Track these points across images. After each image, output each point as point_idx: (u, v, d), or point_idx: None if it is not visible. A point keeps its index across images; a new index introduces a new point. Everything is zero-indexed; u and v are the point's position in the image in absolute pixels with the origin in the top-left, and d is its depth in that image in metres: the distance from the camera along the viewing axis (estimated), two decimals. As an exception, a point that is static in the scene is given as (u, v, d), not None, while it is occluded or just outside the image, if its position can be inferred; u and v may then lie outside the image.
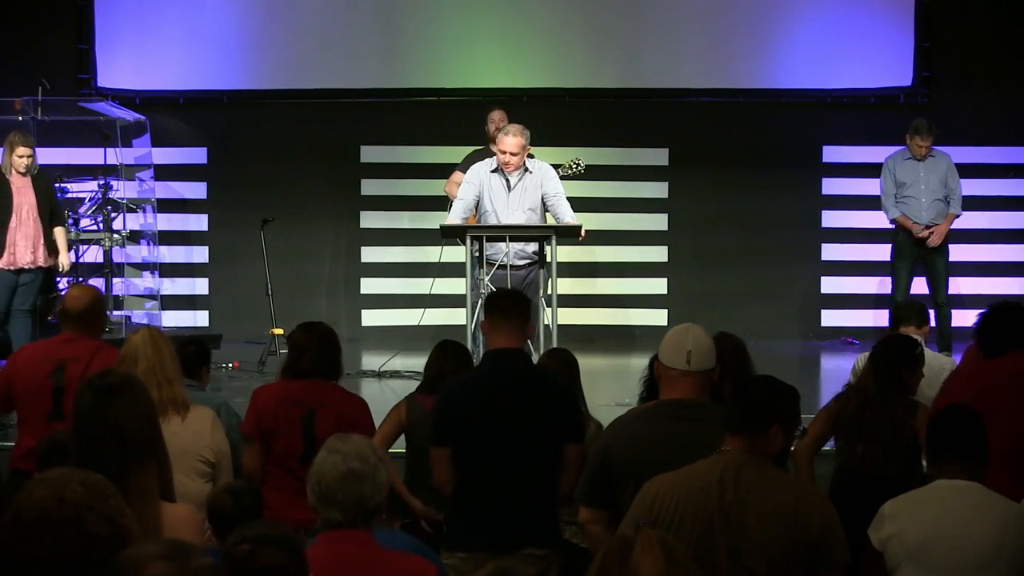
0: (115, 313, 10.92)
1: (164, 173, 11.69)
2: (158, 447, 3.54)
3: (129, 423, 3.43)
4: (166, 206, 11.71)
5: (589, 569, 2.87)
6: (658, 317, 11.53)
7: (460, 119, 11.02)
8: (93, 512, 2.54)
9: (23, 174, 9.11)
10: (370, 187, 11.88)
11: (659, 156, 11.92)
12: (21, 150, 9.06)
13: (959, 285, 11.14)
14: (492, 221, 8.15)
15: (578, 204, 8.59)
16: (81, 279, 10.72)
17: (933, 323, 9.80)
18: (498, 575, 4.49)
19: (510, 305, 4.96)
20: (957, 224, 10.20)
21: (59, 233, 9.29)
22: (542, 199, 8.18)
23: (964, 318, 10.86)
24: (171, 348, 5.10)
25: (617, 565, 2.79)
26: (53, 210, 9.33)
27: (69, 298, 5.91)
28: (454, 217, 8.28)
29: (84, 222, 10.70)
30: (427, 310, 9.66)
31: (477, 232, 8.02)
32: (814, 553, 3.68)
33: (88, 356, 5.67)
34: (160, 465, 3.52)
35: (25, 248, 9.12)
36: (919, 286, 10.14)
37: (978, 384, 5.00)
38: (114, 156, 11.07)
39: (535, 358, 6.37)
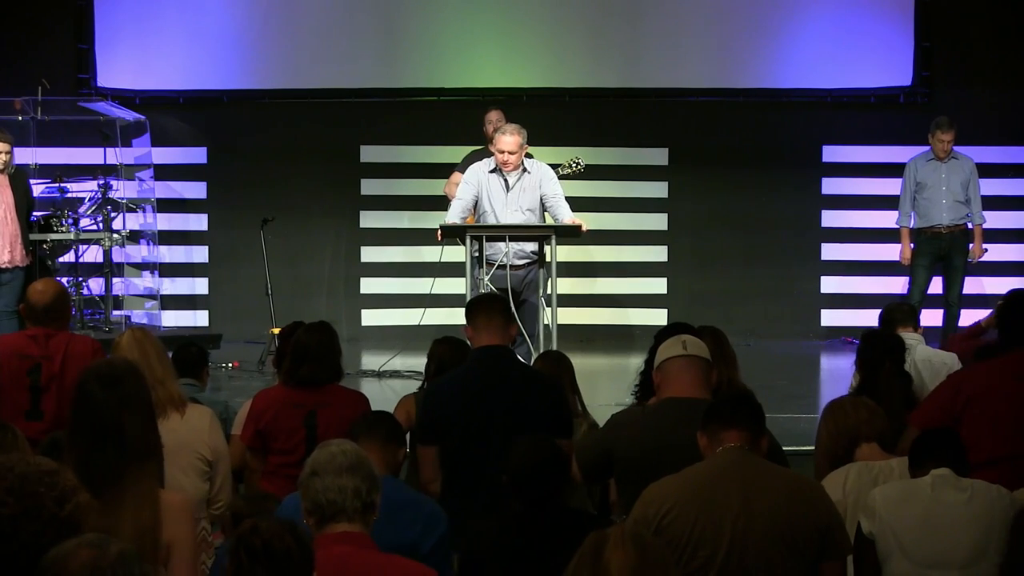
0: (115, 313, 10.91)
1: (164, 173, 11.68)
2: (157, 443, 3.56)
3: (130, 424, 3.45)
4: (166, 206, 11.70)
5: (567, 567, 2.90)
6: (658, 317, 11.51)
7: (460, 119, 11.01)
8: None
9: (1, 171, 8.86)
10: (370, 187, 11.88)
11: (659, 156, 11.91)
12: (1, 146, 8.81)
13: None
14: (491, 221, 8.13)
15: (578, 204, 8.58)
16: (81, 279, 10.71)
17: (941, 321, 9.87)
18: None
19: (491, 306, 4.97)
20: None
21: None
22: (541, 200, 8.17)
23: (963, 318, 10.89)
24: (158, 347, 5.04)
25: (591, 561, 2.81)
26: (30, 206, 9.14)
27: (34, 292, 5.80)
28: (452, 217, 8.25)
29: (84, 222, 10.66)
30: (427, 310, 9.65)
31: (477, 232, 8.01)
32: (819, 544, 3.72)
33: (61, 352, 5.63)
34: (157, 458, 3.55)
35: (2, 248, 8.92)
36: (934, 286, 10.10)
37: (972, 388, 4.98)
38: (114, 156, 11.05)
39: (534, 358, 6.37)
